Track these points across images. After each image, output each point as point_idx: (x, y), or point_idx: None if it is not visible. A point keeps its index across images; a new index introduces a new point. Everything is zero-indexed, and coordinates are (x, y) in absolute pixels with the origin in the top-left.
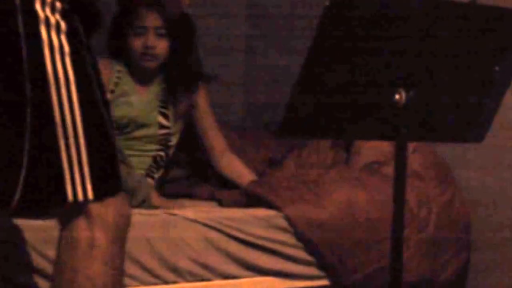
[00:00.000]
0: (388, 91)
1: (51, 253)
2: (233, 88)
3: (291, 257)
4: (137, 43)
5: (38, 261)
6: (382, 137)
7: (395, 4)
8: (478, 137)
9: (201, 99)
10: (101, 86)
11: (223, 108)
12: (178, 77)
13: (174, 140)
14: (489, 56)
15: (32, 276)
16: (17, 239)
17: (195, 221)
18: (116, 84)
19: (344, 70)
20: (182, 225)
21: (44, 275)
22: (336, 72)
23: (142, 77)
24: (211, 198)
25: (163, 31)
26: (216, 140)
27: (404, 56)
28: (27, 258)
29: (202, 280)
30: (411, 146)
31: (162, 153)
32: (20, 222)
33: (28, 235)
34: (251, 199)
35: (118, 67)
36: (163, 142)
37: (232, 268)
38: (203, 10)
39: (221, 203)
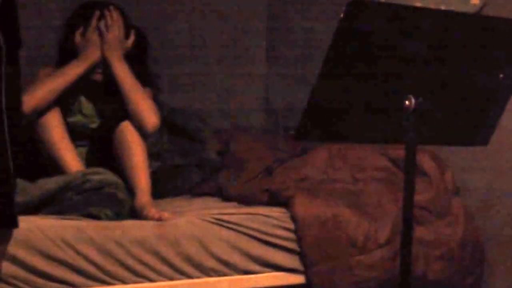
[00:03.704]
0: (399, 97)
1: (85, 250)
2: (254, 94)
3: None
4: None
5: (74, 258)
6: (393, 140)
7: (405, 16)
8: (483, 141)
9: None
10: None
11: (246, 113)
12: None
13: None
14: (493, 64)
15: (67, 271)
16: (55, 237)
17: (217, 223)
18: None
19: (357, 77)
20: (205, 226)
21: (78, 271)
22: (349, 79)
23: (91, 90)
24: (216, 193)
25: None
26: None
27: (413, 64)
28: (64, 255)
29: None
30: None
31: None
32: (58, 222)
33: (65, 233)
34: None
35: None
36: None
37: (251, 265)
38: (225, 22)
39: (226, 198)
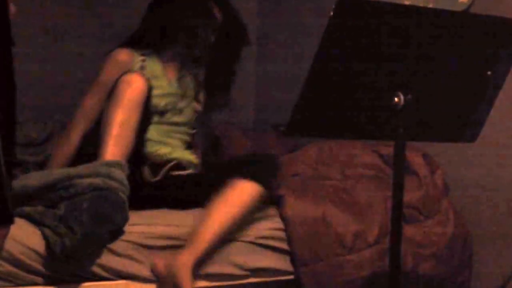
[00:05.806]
0: (388, 94)
1: None
2: (244, 91)
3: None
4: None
5: None
6: (382, 137)
7: (395, 14)
8: (472, 137)
9: None
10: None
11: (235, 110)
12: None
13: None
14: (481, 62)
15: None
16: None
17: None
18: (142, 67)
19: (347, 75)
20: None
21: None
22: (339, 76)
23: (173, 63)
24: None
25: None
26: None
27: (402, 61)
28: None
29: None
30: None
31: (192, 136)
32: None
33: None
34: None
35: (140, 55)
36: (194, 126)
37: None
38: None
39: None
